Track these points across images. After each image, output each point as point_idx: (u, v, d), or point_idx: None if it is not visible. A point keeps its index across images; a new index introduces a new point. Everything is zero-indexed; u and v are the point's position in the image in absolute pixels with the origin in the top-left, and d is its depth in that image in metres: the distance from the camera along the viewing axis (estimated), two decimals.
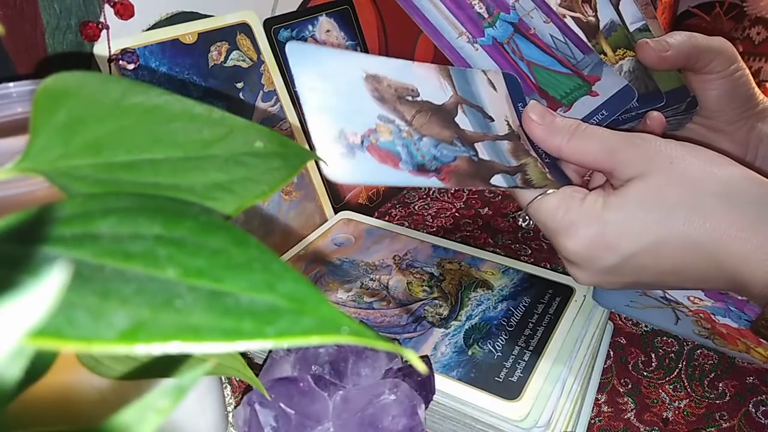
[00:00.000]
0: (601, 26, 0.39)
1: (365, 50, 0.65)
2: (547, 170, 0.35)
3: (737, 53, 0.38)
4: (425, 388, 0.35)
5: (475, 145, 0.33)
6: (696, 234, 0.30)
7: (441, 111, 0.33)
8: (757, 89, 0.40)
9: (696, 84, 0.39)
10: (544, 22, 0.38)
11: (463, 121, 0.34)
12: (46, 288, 0.10)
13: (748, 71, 0.39)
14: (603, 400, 0.42)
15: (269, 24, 0.55)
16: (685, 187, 0.31)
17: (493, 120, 0.35)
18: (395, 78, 0.31)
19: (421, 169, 0.30)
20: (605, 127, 0.35)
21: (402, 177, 0.29)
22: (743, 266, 0.30)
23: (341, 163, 0.28)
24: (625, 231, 0.32)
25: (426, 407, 0.35)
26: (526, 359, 0.39)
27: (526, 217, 0.36)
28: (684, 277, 0.32)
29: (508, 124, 0.36)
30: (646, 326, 0.48)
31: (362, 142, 0.29)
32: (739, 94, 0.39)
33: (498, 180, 0.33)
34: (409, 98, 0.32)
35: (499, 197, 0.68)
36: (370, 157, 0.29)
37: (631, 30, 0.37)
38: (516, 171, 0.34)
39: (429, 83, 0.33)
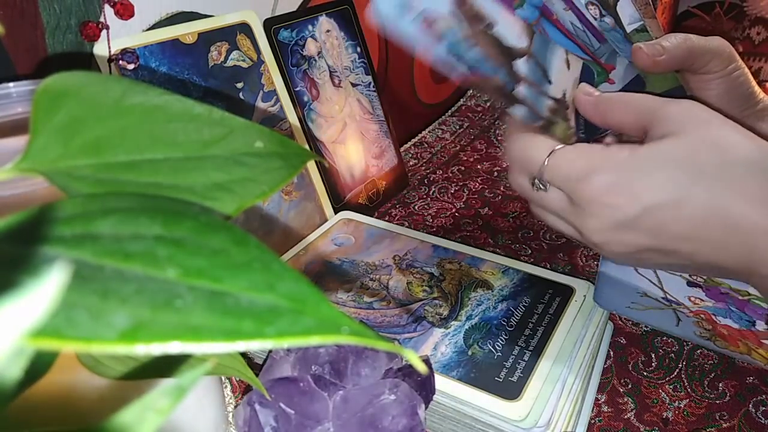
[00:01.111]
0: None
1: (365, 50, 0.65)
2: (574, 139, 0.35)
3: (735, 53, 0.38)
4: (425, 388, 0.35)
5: (520, 82, 0.34)
6: (721, 198, 0.29)
7: (504, 48, 0.34)
8: (756, 88, 0.39)
9: (694, 84, 0.39)
10: (564, 9, 0.38)
11: (520, 66, 0.34)
12: (46, 288, 0.10)
13: (747, 70, 0.39)
14: (603, 400, 0.42)
15: (269, 24, 0.55)
16: (719, 151, 0.30)
17: (550, 83, 0.35)
18: (483, 7, 0.33)
19: (456, 56, 0.31)
20: None
21: (434, 50, 0.31)
22: (762, 241, 0.29)
23: (391, 6, 0.30)
24: (649, 181, 0.30)
25: (426, 407, 0.35)
26: (526, 359, 0.39)
27: (543, 180, 0.34)
28: (699, 245, 0.31)
29: (564, 95, 0.36)
30: (646, 326, 0.48)
31: (421, 13, 0.30)
32: (738, 94, 0.39)
33: (518, 110, 0.34)
34: (482, 25, 0.32)
35: (500, 197, 0.68)
36: (419, 22, 0.31)
37: (628, 31, 0.37)
38: (540, 117, 0.34)
39: (510, 28, 0.34)
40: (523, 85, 0.34)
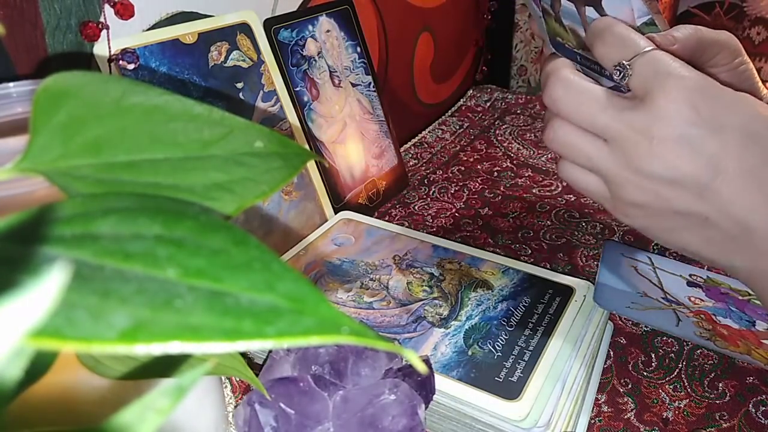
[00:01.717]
0: None
1: (365, 50, 0.65)
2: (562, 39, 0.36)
3: (741, 47, 0.38)
4: (425, 388, 0.35)
5: (571, 4, 0.35)
6: None
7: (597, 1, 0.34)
8: (760, 83, 0.39)
9: None
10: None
11: (591, 13, 0.35)
12: (46, 288, 0.10)
13: (752, 65, 0.38)
14: (603, 400, 0.42)
15: (269, 24, 0.55)
16: None
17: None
18: None
19: None
20: None
21: None
22: None
23: None
24: (736, 107, 0.31)
25: (426, 407, 0.35)
26: (526, 359, 0.39)
27: (627, 68, 0.33)
28: (744, 193, 0.30)
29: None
30: (646, 326, 0.48)
31: None
32: (743, 88, 0.38)
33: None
34: None
35: (500, 197, 0.68)
36: None
37: (638, 24, 0.37)
38: (554, 16, 0.35)
39: (618, 10, 0.34)
40: (572, 7, 0.35)
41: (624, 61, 0.33)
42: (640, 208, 0.33)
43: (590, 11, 0.35)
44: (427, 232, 0.58)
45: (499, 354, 0.39)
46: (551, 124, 0.35)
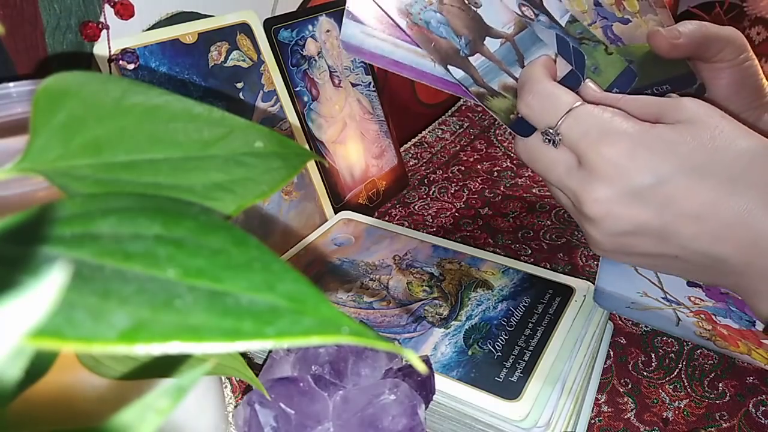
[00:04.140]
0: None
1: None
2: (513, 116, 0.35)
3: (747, 43, 0.38)
4: (425, 388, 0.35)
5: (477, 54, 0.34)
6: (734, 184, 0.29)
7: (482, 26, 0.34)
8: (765, 80, 0.39)
9: (706, 73, 0.39)
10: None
11: (492, 44, 0.34)
12: (46, 288, 0.10)
13: (757, 61, 0.38)
14: (603, 400, 0.42)
15: (269, 24, 0.55)
16: (730, 141, 0.30)
17: (522, 67, 0.35)
18: None
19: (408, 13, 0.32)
20: None
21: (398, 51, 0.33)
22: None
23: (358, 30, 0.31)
24: (673, 149, 0.30)
25: (426, 407, 0.35)
26: (526, 359, 0.39)
27: (557, 132, 0.32)
28: (703, 228, 0.30)
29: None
30: (646, 326, 0.48)
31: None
32: (748, 84, 0.38)
33: (456, 71, 0.34)
34: (466, 1, 0.33)
35: (500, 197, 0.68)
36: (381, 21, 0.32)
37: (563, 25, 0.36)
38: (487, 91, 0.34)
39: (499, 14, 0.34)
40: (478, 56, 0.34)
41: (549, 129, 0.32)
42: (611, 253, 0.34)
43: (489, 42, 0.35)
44: (427, 232, 0.58)
45: (499, 354, 0.39)
46: None
